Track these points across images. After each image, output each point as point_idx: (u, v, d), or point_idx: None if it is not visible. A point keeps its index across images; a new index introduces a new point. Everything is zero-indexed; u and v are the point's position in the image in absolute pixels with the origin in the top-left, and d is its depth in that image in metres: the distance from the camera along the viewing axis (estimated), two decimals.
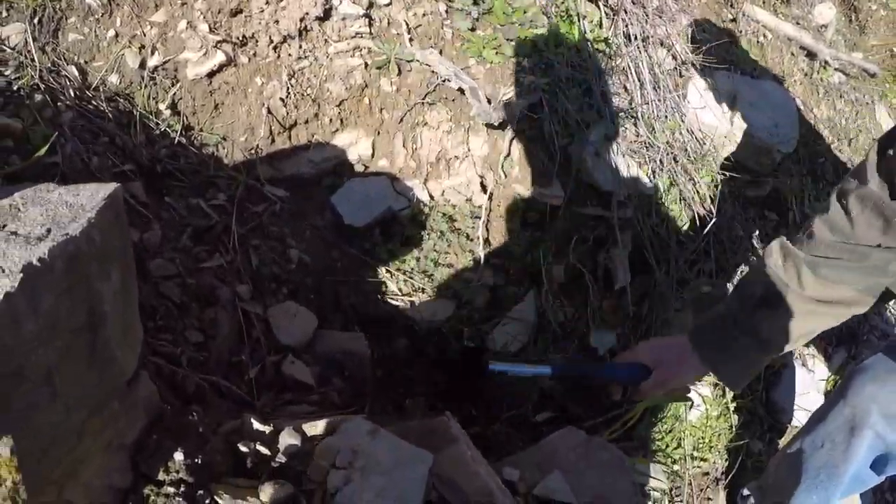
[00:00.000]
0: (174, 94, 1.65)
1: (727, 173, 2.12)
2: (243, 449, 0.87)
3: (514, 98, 1.69)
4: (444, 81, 1.67)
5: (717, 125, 2.03)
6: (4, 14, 1.47)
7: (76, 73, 1.55)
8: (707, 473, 2.31)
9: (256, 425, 0.92)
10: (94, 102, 1.56)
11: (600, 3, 1.86)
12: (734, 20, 2.27)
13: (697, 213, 2.00)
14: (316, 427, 0.93)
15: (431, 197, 1.75)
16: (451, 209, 1.77)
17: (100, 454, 0.72)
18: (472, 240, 1.79)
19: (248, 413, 0.98)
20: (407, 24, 1.69)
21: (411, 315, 1.79)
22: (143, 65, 1.63)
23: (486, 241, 1.84)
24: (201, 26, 1.69)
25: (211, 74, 1.66)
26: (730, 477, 2.25)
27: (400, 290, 1.76)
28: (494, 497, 0.96)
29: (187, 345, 1.20)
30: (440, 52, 1.69)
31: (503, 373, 1.45)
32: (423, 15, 1.70)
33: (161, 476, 0.77)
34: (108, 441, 0.74)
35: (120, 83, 1.62)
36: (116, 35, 1.64)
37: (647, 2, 1.85)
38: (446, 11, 1.72)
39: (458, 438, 1.05)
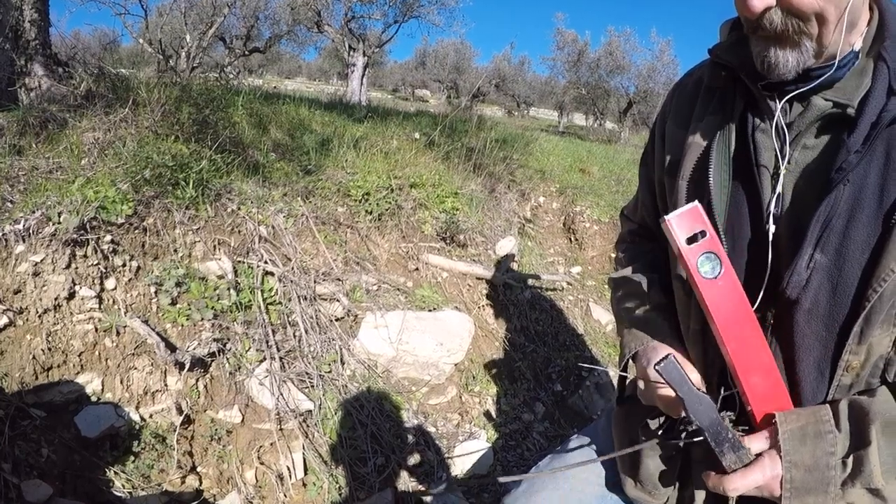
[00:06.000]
0: None
1: (401, 386, 3.03)
2: None
3: (196, 348, 2.64)
4: (145, 340, 2.63)
5: (384, 352, 2.97)
6: None
7: None
8: None
9: None
10: None
11: (276, 274, 2.85)
12: (417, 269, 3.25)
13: (360, 421, 2.89)
14: None
15: (143, 419, 2.66)
16: (157, 427, 2.67)
17: None
18: (174, 449, 2.67)
19: None
20: (125, 302, 2.70)
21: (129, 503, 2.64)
22: None
23: (189, 452, 2.72)
24: None
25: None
26: None
27: (122, 485, 2.63)
28: None
29: None
30: (147, 321, 2.68)
31: None
32: (137, 295, 2.71)
33: None
34: None
35: None
36: None
37: (315, 269, 2.85)
38: (155, 292, 2.72)
39: None
